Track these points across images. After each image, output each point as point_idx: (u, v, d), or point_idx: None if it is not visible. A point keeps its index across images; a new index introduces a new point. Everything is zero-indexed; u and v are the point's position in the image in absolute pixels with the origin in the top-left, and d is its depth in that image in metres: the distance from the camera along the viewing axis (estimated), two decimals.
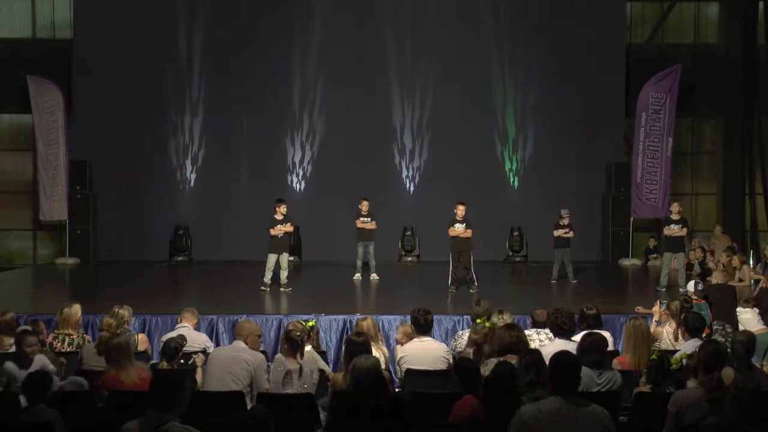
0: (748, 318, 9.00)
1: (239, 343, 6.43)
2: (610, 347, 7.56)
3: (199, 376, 6.78)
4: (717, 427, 4.48)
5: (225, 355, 6.35)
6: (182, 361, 7.05)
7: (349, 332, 9.09)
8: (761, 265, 13.94)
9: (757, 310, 9.21)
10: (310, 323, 7.53)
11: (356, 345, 6.18)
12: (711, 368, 5.24)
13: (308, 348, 6.95)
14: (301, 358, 6.44)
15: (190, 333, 7.72)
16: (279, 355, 6.54)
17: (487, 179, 17.35)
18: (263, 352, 6.98)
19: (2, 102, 17.80)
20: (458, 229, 12.51)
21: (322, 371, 6.75)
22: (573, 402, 4.27)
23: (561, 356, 4.52)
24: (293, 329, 6.53)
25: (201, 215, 17.15)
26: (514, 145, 17.71)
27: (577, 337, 6.62)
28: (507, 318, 7.32)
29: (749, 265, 13.83)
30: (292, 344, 6.42)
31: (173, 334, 7.38)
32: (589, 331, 6.89)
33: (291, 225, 12.40)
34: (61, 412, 5.18)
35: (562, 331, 6.99)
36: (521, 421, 4.25)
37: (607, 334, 7.66)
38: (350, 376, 5.53)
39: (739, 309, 9.23)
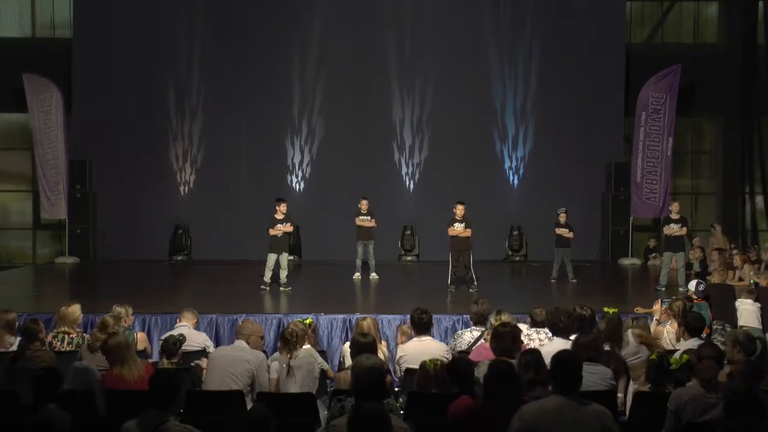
0: (747, 309, 9.00)
1: (241, 343, 6.43)
2: (608, 347, 7.57)
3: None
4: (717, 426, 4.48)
5: (225, 355, 6.36)
6: (181, 361, 7.04)
7: (350, 331, 9.10)
8: (764, 265, 13.93)
9: (759, 305, 9.21)
10: (308, 320, 7.55)
11: (362, 346, 6.19)
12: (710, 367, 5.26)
13: (307, 346, 6.96)
14: (295, 357, 6.46)
15: (190, 332, 7.72)
16: (279, 356, 6.54)
17: (486, 177, 17.36)
18: (263, 351, 6.98)
19: (2, 101, 17.79)
20: (458, 228, 12.51)
21: (322, 370, 6.76)
22: (575, 401, 4.27)
23: (563, 355, 4.53)
24: (285, 329, 6.62)
25: (200, 215, 17.14)
26: (514, 143, 17.72)
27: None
28: (505, 318, 7.32)
29: (750, 264, 13.81)
30: (284, 342, 6.53)
31: (173, 333, 7.38)
32: (585, 330, 6.89)
33: (290, 225, 12.39)
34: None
35: (560, 330, 6.99)
36: (523, 420, 4.25)
37: None
38: (351, 375, 5.54)
39: (739, 300, 9.22)
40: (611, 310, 7.22)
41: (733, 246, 15.65)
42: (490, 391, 4.76)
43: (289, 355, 6.44)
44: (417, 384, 5.99)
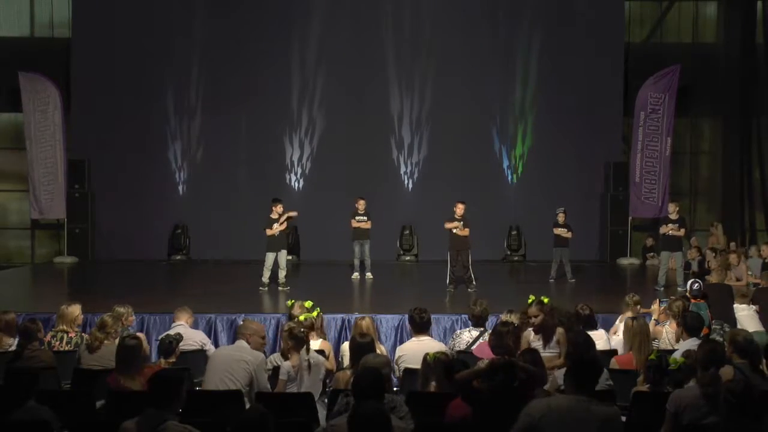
0: (745, 315, 9.01)
1: (241, 343, 6.41)
2: (607, 346, 7.60)
3: None
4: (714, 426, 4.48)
5: (225, 355, 6.34)
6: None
7: (348, 331, 9.11)
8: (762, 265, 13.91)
9: (754, 307, 9.21)
10: (314, 313, 7.61)
11: (362, 346, 6.20)
12: (708, 366, 5.25)
13: (319, 341, 7.02)
14: (308, 354, 6.42)
15: (187, 331, 7.68)
16: (284, 363, 6.45)
17: (485, 177, 17.35)
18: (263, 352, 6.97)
19: (2, 100, 17.76)
20: (455, 225, 12.56)
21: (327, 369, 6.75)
22: (584, 401, 4.28)
23: (587, 357, 4.58)
24: (295, 326, 6.53)
25: (199, 214, 17.13)
26: (513, 142, 17.71)
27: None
28: (514, 318, 7.39)
29: (746, 263, 13.77)
30: (297, 341, 6.40)
31: (170, 333, 7.36)
32: (576, 331, 6.92)
33: (288, 214, 12.37)
34: (60, 412, 5.17)
35: None
36: (529, 416, 4.26)
37: (601, 332, 7.70)
38: (354, 374, 5.56)
39: (735, 306, 9.24)
40: (545, 299, 7.52)
41: (731, 244, 15.63)
42: (491, 396, 4.77)
43: (298, 354, 6.36)
44: (420, 378, 6.02)
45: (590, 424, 4.23)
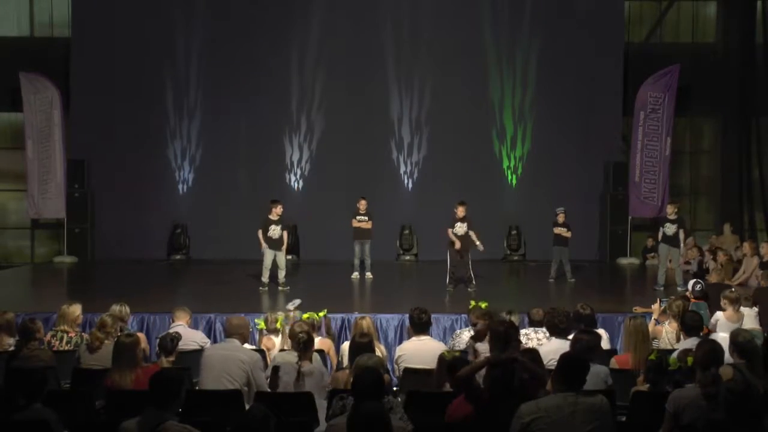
0: (743, 316, 9.02)
1: (233, 341, 6.40)
2: (607, 346, 7.60)
3: None
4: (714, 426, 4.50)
5: (220, 355, 6.29)
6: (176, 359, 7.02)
7: (348, 330, 9.12)
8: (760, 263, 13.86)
9: (756, 309, 9.21)
10: (321, 313, 7.63)
11: (362, 346, 6.19)
12: (708, 366, 5.25)
13: (318, 338, 7.04)
14: (310, 362, 6.33)
15: (186, 331, 7.68)
16: (289, 356, 6.42)
17: (485, 177, 17.34)
18: (260, 351, 6.98)
19: (1, 100, 17.75)
20: (458, 228, 12.56)
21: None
22: (572, 397, 4.32)
23: (573, 357, 4.60)
24: (300, 331, 6.39)
25: (199, 214, 17.13)
26: (512, 142, 17.71)
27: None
28: (514, 319, 7.40)
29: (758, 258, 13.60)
30: (304, 346, 6.28)
31: (171, 332, 7.38)
32: (582, 329, 6.91)
33: (282, 229, 12.35)
34: (60, 412, 5.16)
35: (559, 330, 7.00)
36: (520, 419, 4.31)
37: (602, 332, 7.70)
38: (351, 374, 5.56)
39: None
40: (483, 304, 7.63)
41: (738, 245, 15.56)
42: (491, 393, 4.77)
43: (308, 360, 6.24)
44: (434, 378, 6.01)
45: (579, 417, 4.28)
